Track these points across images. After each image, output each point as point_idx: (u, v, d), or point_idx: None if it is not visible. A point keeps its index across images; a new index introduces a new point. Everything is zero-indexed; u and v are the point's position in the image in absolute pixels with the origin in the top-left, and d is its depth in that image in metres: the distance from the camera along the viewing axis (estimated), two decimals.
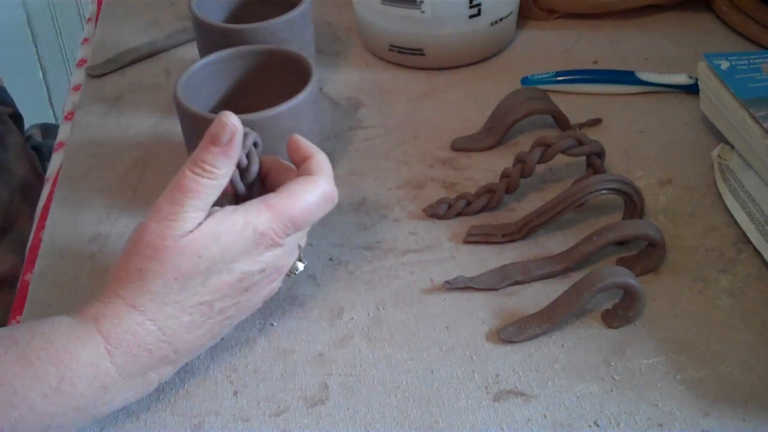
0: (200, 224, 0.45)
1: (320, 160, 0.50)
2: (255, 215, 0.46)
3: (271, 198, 0.47)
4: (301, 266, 0.52)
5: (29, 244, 0.62)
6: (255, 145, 0.50)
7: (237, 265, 0.46)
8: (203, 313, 0.46)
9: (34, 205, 0.67)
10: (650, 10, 0.83)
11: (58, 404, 0.42)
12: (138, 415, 0.48)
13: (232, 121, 0.46)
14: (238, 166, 0.49)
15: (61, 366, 0.42)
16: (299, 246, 0.51)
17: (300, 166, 0.50)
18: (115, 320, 0.44)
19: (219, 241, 0.45)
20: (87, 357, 0.43)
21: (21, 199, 0.78)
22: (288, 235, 0.48)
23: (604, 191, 0.56)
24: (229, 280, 0.46)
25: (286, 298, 0.55)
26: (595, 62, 0.76)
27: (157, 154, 0.68)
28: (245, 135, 0.49)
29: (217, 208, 0.47)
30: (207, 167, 0.46)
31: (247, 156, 0.49)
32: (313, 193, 0.48)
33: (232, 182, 0.49)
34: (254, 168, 0.50)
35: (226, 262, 0.46)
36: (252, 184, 0.51)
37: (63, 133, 0.73)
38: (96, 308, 0.45)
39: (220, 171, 0.46)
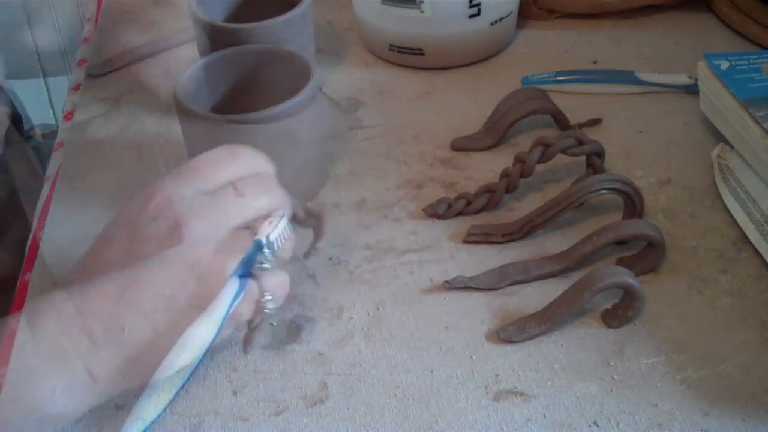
0: None
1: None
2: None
3: None
4: (268, 253, 0.47)
5: (29, 243, 0.62)
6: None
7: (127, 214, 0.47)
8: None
9: (33, 205, 0.67)
10: (650, 10, 0.83)
11: None
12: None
13: None
14: None
15: None
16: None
17: None
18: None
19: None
20: None
21: (20, 199, 0.78)
22: (185, 183, 0.46)
23: (603, 191, 0.56)
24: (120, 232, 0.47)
25: (286, 298, 0.55)
26: (595, 62, 0.76)
27: (157, 154, 0.68)
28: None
29: None
30: None
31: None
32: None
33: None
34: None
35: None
36: None
37: (63, 133, 0.73)
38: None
39: None
